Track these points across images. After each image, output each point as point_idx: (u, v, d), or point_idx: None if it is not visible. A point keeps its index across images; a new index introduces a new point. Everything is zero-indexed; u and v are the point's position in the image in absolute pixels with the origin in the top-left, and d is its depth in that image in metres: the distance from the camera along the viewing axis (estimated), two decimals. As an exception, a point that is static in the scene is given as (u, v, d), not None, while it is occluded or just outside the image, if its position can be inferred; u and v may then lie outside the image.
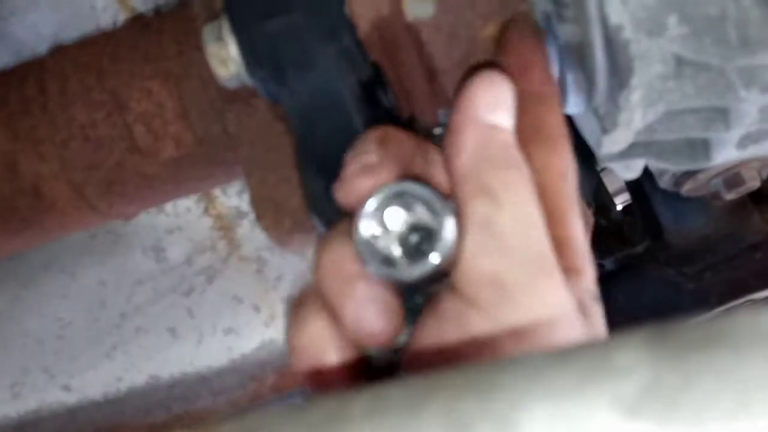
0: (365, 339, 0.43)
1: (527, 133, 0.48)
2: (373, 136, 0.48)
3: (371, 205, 0.42)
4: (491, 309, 0.41)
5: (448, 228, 0.41)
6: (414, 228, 0.42)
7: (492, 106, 0.46)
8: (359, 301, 0.42)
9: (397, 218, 0.42)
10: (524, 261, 0.42)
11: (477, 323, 0.41)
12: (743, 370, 0.23)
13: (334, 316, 0.43)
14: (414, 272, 0.41)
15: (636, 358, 0.24)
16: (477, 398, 0.27)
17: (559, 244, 0.45)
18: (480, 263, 0.42)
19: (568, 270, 0.46)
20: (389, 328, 0.43)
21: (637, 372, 0.24)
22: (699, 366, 0.23)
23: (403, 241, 0.42)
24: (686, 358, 0.24)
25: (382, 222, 0.42)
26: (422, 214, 0.42)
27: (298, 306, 0.46)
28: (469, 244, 0.42)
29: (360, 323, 0.42)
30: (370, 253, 0.41)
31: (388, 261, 0.41)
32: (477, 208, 0.42)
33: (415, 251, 0.42)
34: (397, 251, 0.42)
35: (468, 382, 0.29)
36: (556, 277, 0.43)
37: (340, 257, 0.43)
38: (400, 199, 0.42)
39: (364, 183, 0.44)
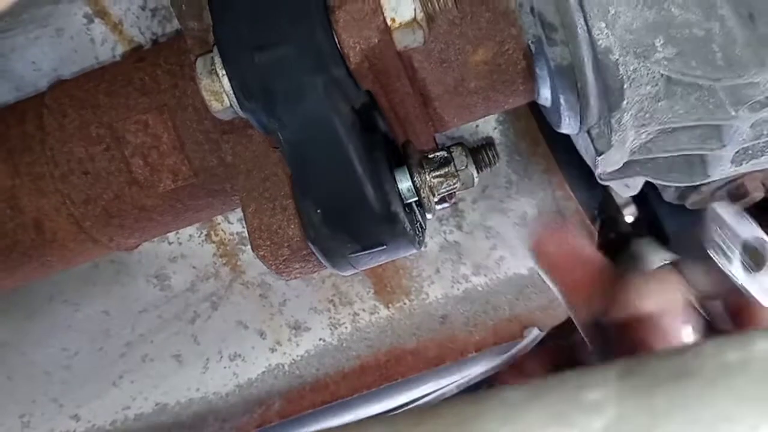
0: None
1: None
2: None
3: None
4: None
5: None
6: None
7: None
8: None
9: None
10: None
11: None
12: (710, 406, 0.23)
13: None
14: None
15: (605, 394, 0.25)
16: (458, 430, 0.28)
17: None
18: None
19: None
20: None
21: (605, 408, 0.24)
22: (666, 402, 0.23)
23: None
24: (653, 394, 0.24)
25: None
26: None
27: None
28: None
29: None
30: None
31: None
32: None
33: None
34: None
35: (452, 415, 0.29)
36: None
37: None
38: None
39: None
